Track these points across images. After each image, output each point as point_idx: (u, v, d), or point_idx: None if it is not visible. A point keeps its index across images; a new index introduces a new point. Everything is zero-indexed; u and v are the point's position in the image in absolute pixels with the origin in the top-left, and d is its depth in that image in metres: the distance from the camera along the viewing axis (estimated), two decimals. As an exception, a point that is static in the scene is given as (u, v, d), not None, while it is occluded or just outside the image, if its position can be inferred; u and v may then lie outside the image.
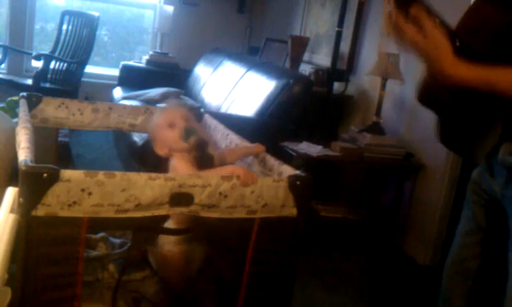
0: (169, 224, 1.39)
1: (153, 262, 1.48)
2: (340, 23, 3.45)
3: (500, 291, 1.31)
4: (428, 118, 1.40)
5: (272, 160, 1.51)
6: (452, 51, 1.12)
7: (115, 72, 4.93)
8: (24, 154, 1.12)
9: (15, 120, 1.66)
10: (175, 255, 1.41)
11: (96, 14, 4.59)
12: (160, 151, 1.51)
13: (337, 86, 3.65)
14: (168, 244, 1.41)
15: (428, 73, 1.25)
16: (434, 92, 1.26)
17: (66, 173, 1.04)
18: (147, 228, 1.35)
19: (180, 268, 1.43)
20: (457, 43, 1.13)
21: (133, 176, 1.10)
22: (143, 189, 1.11)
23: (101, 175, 1.07)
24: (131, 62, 4.91)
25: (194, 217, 1.20)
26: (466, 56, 1.13)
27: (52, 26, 5.21)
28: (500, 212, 1.31)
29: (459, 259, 1.48)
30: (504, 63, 1.11)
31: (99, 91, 4.85)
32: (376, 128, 3.10)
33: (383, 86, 3.11)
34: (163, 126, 1.50)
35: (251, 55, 4.87)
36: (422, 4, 1.14)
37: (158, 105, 3.19)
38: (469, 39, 1.16)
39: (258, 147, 1.58)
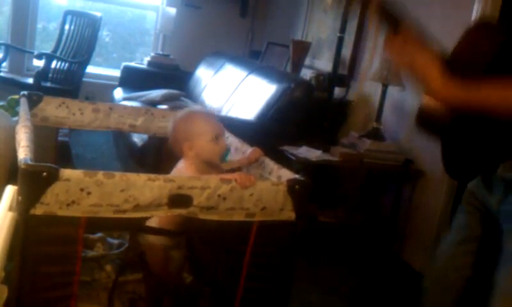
0: (151, 222, 1.38)
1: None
2: (342, 28, 3.45)
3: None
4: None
5: (271, 164, 1.51)
6: (441, 71, 1.13)
7: (116, 73, 4.93)
8: (23, 153, 1.12)
9: (15, 119, 1.67)
10: (155, 247, 1.41)
11: (98, 14, 4.59)
12: (187, 150, 1.52)
13: (338, 91, 3.66)
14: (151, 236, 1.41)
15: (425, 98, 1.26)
16: (432, 117, 1.26)
17: (66, 173, 1.04)
18: (145, 229, 1.35)
19: (161, 261, 1.44)
20: (449, 70, 1.15)
21: (132, 176, 1.10)
22: (142, 190, 1.11)
23: (100, 175, 1.07)
24: (132, 64, 4.92)
25: (186, 218, 1.20)
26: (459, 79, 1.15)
27: (54, 26, 5.22)
28: (495, 226, 1.31)
29: (447, 269, 1.45)
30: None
31: (100, 92, 4.85)
32: (375, 134, 3.11)
33: (384, 92, 3.11)
34: (208, 136, 1.51)
35: (253, 59, 4.87)
36: (412, 26, 1.16)
37: (159, 106, 3.20)
38: (461, 67, 1.17)
39: (255, 153, 1.58)
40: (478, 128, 1.22)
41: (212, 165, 1.53)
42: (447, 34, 1.29)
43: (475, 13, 2.70)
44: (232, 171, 1.57)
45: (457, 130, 1.25)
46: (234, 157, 1.67)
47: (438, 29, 1.33)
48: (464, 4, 2.78)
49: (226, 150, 1.55)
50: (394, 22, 1.16)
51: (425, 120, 1.32)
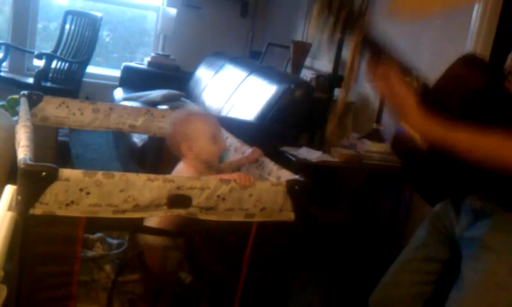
0: (151, 222, 1.38)
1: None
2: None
3: None
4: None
5: (271, 164, 1.51)
6: (416, 108, 1.15)
7: (116, 73, 4.93)
8: (23, 152, 1.12)
9: (15, 118, 1.67)
10: (153, 247, 1.41)
11: (99, 14, 4.59)
12: (186, 151, 1.52)
13: (338, 92, 3.66)
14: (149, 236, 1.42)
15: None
16: (408, 145, 1.27)
17: (65, 172, 1.04)
18: (144, 229, 1.35)
19: (158, 261, 1.44)
20: (431, 99, 1.17)
21: (132, 176, 1.10)
22: (141, 190, 1.11)
23: (100, 175, 1.07)
24: (133, 64, 4.92)
25: (185, 219, 1.20)
26: (438, 113, 1.16)
27: (54, 25, 5.22)
28: (456, 251, 1.31)
29: (409, 284, 1.43)
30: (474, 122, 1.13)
31: (100, 92, 4.85)
32: (376, 135, 3.10)
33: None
34: (206, 136, 1.53)
35: (253, 59, 4.88)
36: (394, 57, 1.17)
37: (159, 106, 3.20)
38: (444, 98, 1.18)
39: (255, 153, 1.58)
40: (450, 159, 1.22)
41: (211, 166, 1.54)
42: (438, 64, 1.30)
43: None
44: (232, 171, 1.58)
45: (429, 159, 1.25)
46: (234, 157, 1.67)
47: (429, 58, 1.34)
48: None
49: (224, 150, 1.56)
50: (377, 51, 1.18)
51: (401, 146, 1.32)
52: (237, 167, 1.61)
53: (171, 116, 1.69)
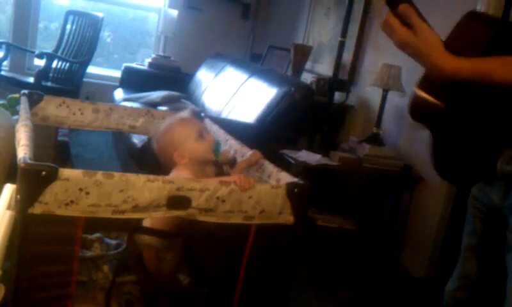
0: (146, 222, 1.38)
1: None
2: (344, 33, 3.46)
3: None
4: (428, 131, 1.40)
5: (270, 167, 1.51)
6: (442, 44, 1.13)
7: (117, 74, 4.94)
8: (23, 151, 1.12)
9: (15, 117, 1.66)
10: (148, 247, 1.42)
11: (100, 15, 4.60)
12: (179, 159, 1.51)
13: (338, 96, 3.66)
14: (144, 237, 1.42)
15: (421, 80, 1.26)
16: (425, 107, 1.26)
17: (65, 172, 1.04)
18: (143, 230, 1.35)
19: (153, 261, 1.44)
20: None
21: (131, 177, 1.10)
22: (141, 191, 1.11)
23: (99, 175, 1.07)
24: (133, 65, 4.92)
25: (181, 220, 1.20)
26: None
27: (55, 25, 5.23)
28: (500, 223, 1.32)
29: (463, 275, 1.49)
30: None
31: (100, 92, 4.86)
32: (375, 139, 3.11)
33: (384, 98, 3.12)
34: (192, 136, 1.52)
35: (254, 61, 4.88)
36: (410, 4, 1.16)
37: (159, 107, 3.21)
38: (456, 51, 1.17)
39: (254, 155, 1.58)
40: (469, 125, 1.23)
41: (208, 163, 1.54)
42: (450, 26, 1.30)
43: (480, 7, 2.68)
44: (228, 162, 1.59)
45: (449, 113, 1.24)
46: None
47: (440, 23, 1.34)
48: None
49: (217, 144, 1.56)
50: (395, 2, 1.16)
51: (418, 111, 1.31)
52: (233, 158, 1.62)
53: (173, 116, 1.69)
